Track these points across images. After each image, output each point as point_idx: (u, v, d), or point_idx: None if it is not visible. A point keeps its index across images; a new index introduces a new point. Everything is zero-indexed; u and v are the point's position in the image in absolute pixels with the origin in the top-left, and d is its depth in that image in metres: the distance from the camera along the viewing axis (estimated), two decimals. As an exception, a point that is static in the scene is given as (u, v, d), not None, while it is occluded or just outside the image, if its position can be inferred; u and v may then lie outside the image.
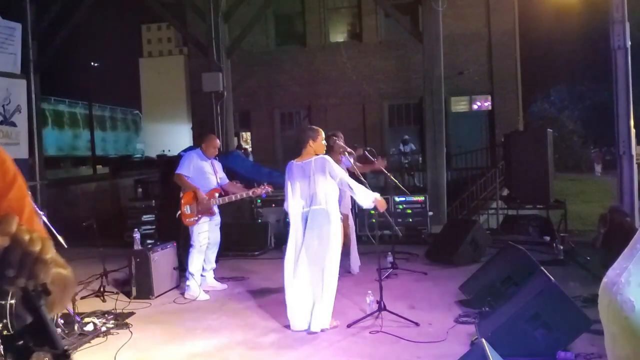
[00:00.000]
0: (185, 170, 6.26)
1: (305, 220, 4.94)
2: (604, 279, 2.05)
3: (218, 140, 6.55)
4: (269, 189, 6.31)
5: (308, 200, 4.94)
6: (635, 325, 1.76)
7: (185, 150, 8.02)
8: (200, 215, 6.26)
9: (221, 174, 6.58)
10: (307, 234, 4.92)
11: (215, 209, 6.38)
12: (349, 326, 5.02)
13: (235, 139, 19.07)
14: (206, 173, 6.37)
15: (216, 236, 6.57)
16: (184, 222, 6.29)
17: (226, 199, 6.37)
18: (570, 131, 32.68)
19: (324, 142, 5.08)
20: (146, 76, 57.03)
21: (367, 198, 4.90)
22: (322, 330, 4.91)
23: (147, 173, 18.24)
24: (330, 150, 5.88)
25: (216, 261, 6.93)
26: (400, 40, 17.46)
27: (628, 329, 1.79)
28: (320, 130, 5.13)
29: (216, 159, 6.69)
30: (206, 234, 6.37)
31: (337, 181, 4.87)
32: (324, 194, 4.88)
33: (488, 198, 14.65)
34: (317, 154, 5.03)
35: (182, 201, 6.24)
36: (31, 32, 10.82)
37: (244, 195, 6.44)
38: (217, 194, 6.36)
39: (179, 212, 6.27)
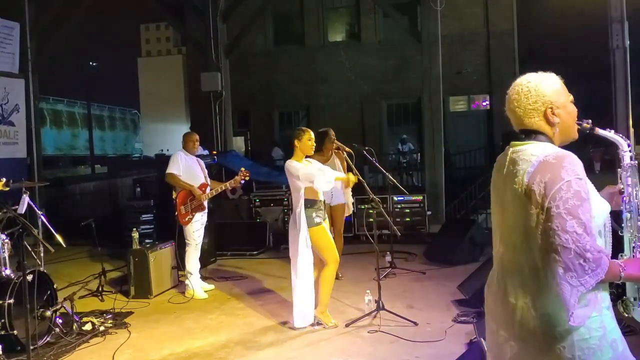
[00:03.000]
0: (176, 169, 6.30)
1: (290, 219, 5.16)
2: (487, 282, 2.12)
3: (196, 135, 6.63)
4: (247, 174, 6.36)
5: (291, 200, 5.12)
6: (522, 327, 1.86)
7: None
8: (194, 213, 6.32)
9: (205, 170, 6.66)
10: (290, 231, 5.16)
11: (205, 204, 6.43)
12: (347, 325, 5.03)
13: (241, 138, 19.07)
14: (195, 170, 6.45)
15: (202, 236, 6.60)
16: (180, 222, 6.32)
17: (213, 192, 6.43)
18: (568, 131, 32.67)
19: (310, 140, 5.09)
20: (145, 76, 56.82)
21: (328, 182, 4.95)
22: (291, 328, 5.01)
23: (145, 172, 18.19)
24: (324, 148, 5.89)
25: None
26: (398, 40, 17.47)
27: (518, 332, 1.88)
28: (306, 129, 5.16)
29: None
30: (201, 231, 6.43)
31: (299, 181, 4.89)
32: (294, 199, 5.02)
33: (487, 197, 14.63)
34: (305, 154, 5.10)
35: (178, 201, 6.28)
36: (29, 32, 10.77)
37: (226, 187, 6.54)
38: (207, 189, 6.44)
39: (176, 213, 6.29)
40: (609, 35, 7.55)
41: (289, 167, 5.00)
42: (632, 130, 7.62)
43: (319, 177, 4.91)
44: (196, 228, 6.36)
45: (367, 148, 5.90)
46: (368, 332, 4.89)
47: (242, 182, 6.57)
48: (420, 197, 9.36)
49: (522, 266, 1.87)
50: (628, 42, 7.50)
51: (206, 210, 6.49)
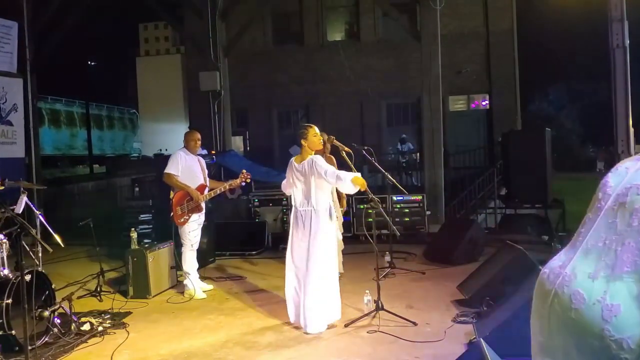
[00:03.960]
0: (175, 169, 6.26)
1: (298, 220, 5.07)
2: (544, 270, 1.95)
3: (198, 133, 6.57)
4: (248, 177, 6.35)
5: (302, 200, 5.05)
6: (585, 317, 1.70)
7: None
8: (190, 214, 6.28)
9: (205, 171, 6.62)
10: (299, 232, 5.05)
11: (202, 205, 6.40)
12: (346, 326, 5.01)
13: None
14: (194, 171, 6.40)
15: (198, 237, 6.57)
16: (176, 222, 6.29)
17: (211, 193, 6.41)
18: (568, 130, 32.75)
19: (315, 136, 5.09)
20: (143, 75, 56.74)
21: (350, 185, 4.83)
22: (307, 333, 4.91)
23: (144, 172, 18.20)
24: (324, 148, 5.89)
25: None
26: (398, 39, 17.45)
27: (577, 321, 1.72)
28: (309, 126, 5.17)
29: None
30: (197, 232, 6.39)
31: (325, 174, 4.85)
32: (315, 195, 4.96)
33: (486, 197, 14.65)
34: (314, 151, 5.10)
35: (174, 202, 6.25)
36: (28, 31, 10.75)
37: (226, 188, 6.51)
38: (205, 191, 6.40)
39: (172, 213, 6.27)
40: (609, 34, 7.54)
41: (316, 161, 4.93)
42: (632, 130, 7.60)
43: (346, 175, 4.83)
44: (192, 228, 6.32)
45: (366, 148, 5.89)
46: (367, 332, 4.87)
47: (243, 184, 6.55)
48: (420, 197, 9.35)
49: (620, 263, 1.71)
50: (628, 42, 7.48)
51: (204, 211, 6.45)
